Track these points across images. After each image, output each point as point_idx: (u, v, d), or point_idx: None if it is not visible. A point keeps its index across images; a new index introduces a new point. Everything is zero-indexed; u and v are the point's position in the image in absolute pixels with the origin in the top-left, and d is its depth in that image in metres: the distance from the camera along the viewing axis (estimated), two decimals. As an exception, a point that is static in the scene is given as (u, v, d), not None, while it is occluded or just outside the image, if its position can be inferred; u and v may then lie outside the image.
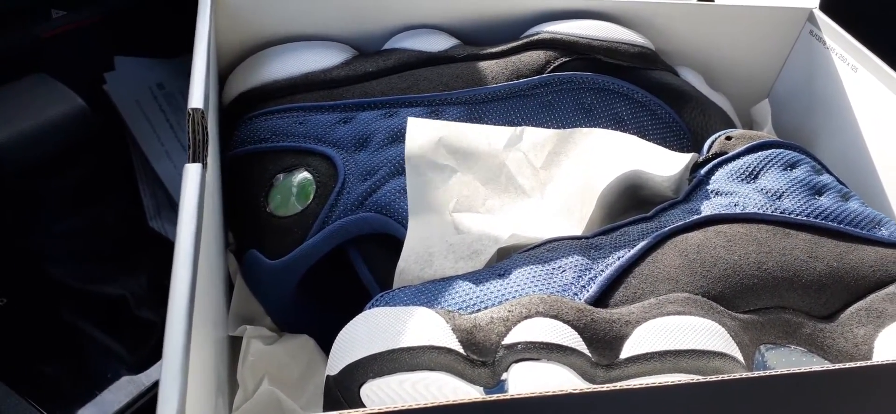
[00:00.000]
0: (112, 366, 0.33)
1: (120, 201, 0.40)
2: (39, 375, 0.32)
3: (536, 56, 0.33)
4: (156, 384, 0.32)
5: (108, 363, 0.33)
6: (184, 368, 0.17)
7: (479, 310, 0.22)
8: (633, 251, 0.25)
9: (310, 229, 0.27)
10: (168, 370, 0.17)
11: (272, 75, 0.32)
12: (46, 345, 0.34)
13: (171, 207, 0.40)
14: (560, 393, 0.17)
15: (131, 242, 0.39)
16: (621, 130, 0.32)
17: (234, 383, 0.28)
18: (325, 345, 0.28)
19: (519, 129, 0.29)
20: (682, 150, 0.33)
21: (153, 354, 0.34)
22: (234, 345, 0.29)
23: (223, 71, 0.34)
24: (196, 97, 0.24)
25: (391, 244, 0.27)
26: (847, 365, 0.20)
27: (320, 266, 0.28)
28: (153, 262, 0.38)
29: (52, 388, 0.32)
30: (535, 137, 0.29)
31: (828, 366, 0.23)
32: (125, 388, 0.32)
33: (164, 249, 0.38)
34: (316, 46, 0.33)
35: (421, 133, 0.27)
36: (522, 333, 0.21)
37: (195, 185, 0.21)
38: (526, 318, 0.22)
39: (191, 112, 0.23)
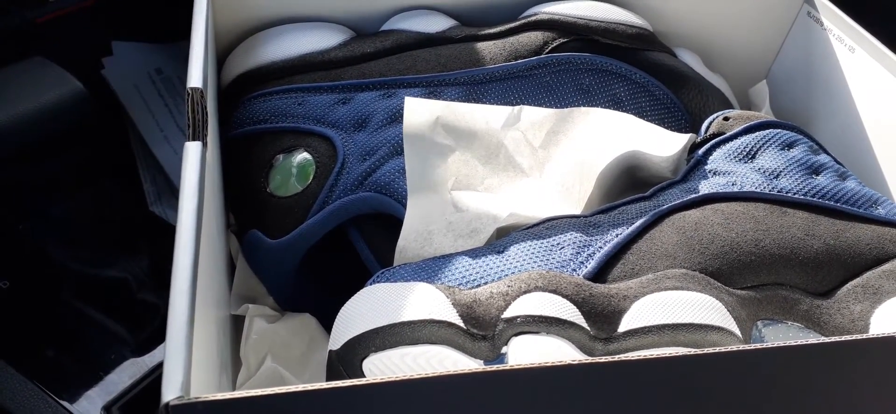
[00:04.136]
0: (115, 348, 0.33)
1: (120, 186, 0.40)
2: (43, 358, 0.32)
3: (534, 37, 0.33)
4: (159, 366, 0.32)
5: (111, 345, 0.33)
6: (188, 343, 0.17)
7: (478, 285, 0.23)
8: (631, 229, 0.25)
9: (310, 209, 0.28)
10: (172, 344, 0.17)
11: (270, 57, 0.32)
12: (49, 328, 0.34)
13: (171, 192, 0.41)
14: (559, 364, 0.18)
15: (132, 227, 0.39)
16: (619, 111, 0.32)
17: (237, 361, 0.28)
18: (327, 324, 0.29)
19: (517, 108, 0.29)
20: (679, 131, 0.33)
21: (156, 336, 0.34)
22: (237, 324, 0.29)
23: (221, 53, 0.34)
24: (195, 77, 0.24)
25: (391, 223, 0.27)
26: (843, 338, 0.21)
27: (321, 246, 0.29)
28: (154, 245, 0.38)
29: (55, 370, 0.32)
30: (534, 117, 0.29)
31: (824, 339, 0.24)
32: (128, 370, 0.33)
33: (166, 234, 0.38)
34: (314, 28, 0.33)
35: (419, 112, 0.28)
36: (522, 306, 0.22)
37: (196, 164, 0.21)
38: (525, 292, 0.22)
39: (190, 91, 0.23)
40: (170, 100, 0.44)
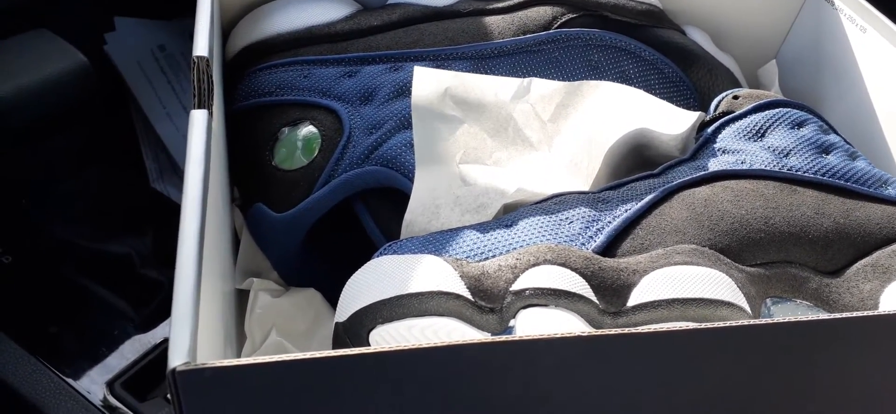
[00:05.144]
0: (118, 324, 0.33)
1: (122, 163, 0.40)
2: (45, 334, 0.32)
3: (543, 12, 0.33)
4: (162, 342, 0.32)
5: (113, 322, 0.33)
6: (195, 310, 0.17)
7: (487, 258, 0.23)
8: (640, 204, 0.25)
9: (316, 182, 0.27)
10: (179, 310, 0.17)
11: (276, 29, 0.31)
12: (52, 303, 0.34)
13: (173, 170, 0.40)
14: (567, 336, 0.18)
15: (135, 203, 0.39)
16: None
17: (241, 335, 0.28)
18: (331, 299, 0.29)
19: (526, 80, 0.29)
20: (688, 109, 0.33)
21: (159, 312, 0.34)
22: (241, 299, 0.29)
23: (226, 25, 0.34)
24: (201, 46, 0.23)
25: (397, 198, 0.27)
26: (851, 314, 0.20)
27: (327, 221, 0.28)
28: (157, 222, 0.38)
29: (58, 346, 0.32)
30: (543, 89, 0.29)
31: (833, 316, 0.23)
32: (131, 346, 0.33)
33: (168, 211, 0.38)
34: (319, 0, 0.33)
35: (428, 83, 0.27)
36: (530, 279, 0.21)
37: (202, 132, 0.21)
38: (534, 265, 0.22)
39: (195, 60, 0.23)
40: (172, 77, 0.44)
